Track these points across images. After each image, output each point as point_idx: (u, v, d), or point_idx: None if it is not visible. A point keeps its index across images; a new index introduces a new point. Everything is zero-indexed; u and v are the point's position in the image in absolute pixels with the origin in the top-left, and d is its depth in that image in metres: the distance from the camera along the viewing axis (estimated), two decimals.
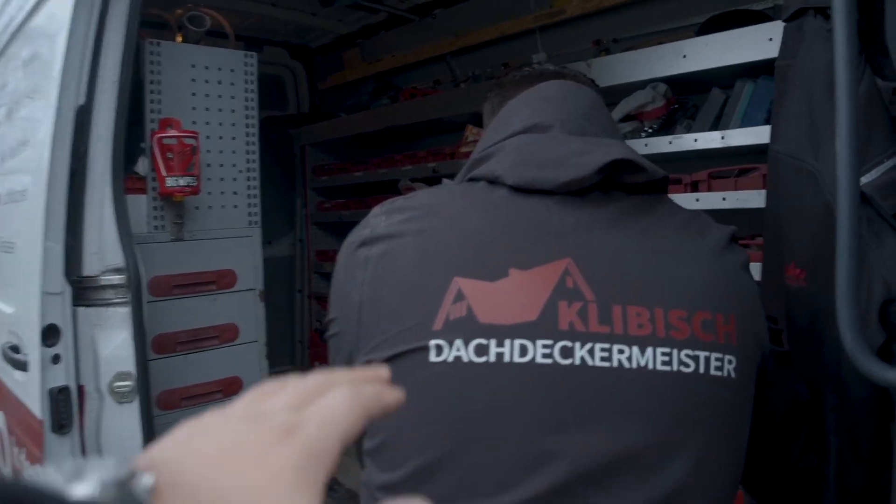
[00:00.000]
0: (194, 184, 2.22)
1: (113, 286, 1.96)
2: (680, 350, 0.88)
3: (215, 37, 2.68)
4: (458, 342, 0.86)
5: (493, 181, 0.99)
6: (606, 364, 0.86)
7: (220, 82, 2.47)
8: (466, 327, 0.86)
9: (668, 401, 0.87)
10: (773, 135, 1.32)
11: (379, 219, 0.98)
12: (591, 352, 0.86)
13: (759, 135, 2.25)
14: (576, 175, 0.93)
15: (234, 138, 2.50)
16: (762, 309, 1.04)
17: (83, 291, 1.91)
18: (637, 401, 0.85)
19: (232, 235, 2.51)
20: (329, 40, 4.76)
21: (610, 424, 0.84)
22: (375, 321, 0.92)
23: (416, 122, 3.86)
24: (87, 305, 1.92)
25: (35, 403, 1.84)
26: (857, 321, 0.74)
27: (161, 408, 2.32)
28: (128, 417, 1.94)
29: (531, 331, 0.86)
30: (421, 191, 1.05)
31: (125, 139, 1.93)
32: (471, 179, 1.03)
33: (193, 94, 2.40)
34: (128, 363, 1.94)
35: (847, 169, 0.84)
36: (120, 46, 1.92)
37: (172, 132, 2.21)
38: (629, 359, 0.86)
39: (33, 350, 1.84)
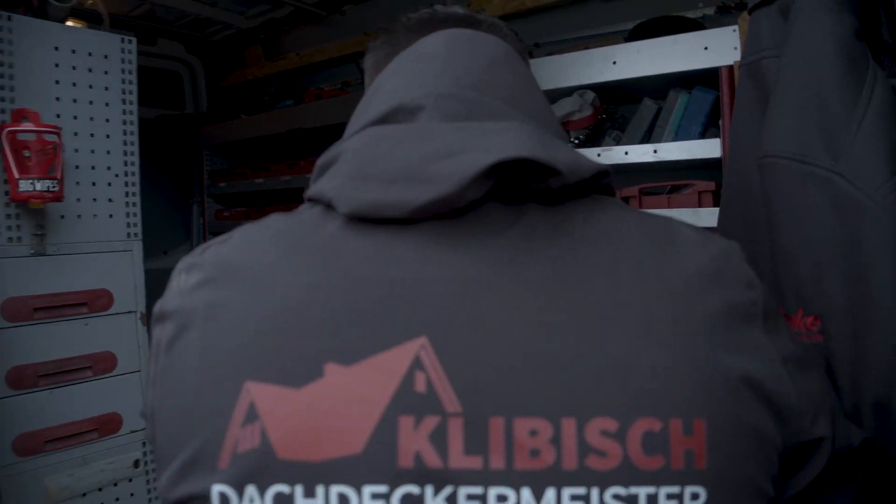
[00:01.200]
0: (56, 188, 1.87)
1: None
2: (603, 489, 0.54)
3: (91, 22, 2.34)
4: (251, 490, 0.55)
5: (327, 205, 0.66)
6: None
7: (90, 70, 2.11)
8: (260, 466, 0.55)
9: None
10: (764, 140, 1.04)
11: (179, 278, 0.67)
12: (451, 502, 0.54)
13: (693, 149, 2.15)
14: (437, 194, 0.58)
15: (108, 136, 2.15)
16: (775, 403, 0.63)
17: None
18: None
19: (107, 250, 2.15)
20: (230, 34, 4.45)
21: None
22: (163, 442, 0.61)
23: (322, 126, 3.59)
24: None
25: None
26: None
27: (18, 454, 1.97)
28: None
29: (354, 471, 0.54)
30: (241, 228, 0.70)
31: None
32: (309, 200, 0.71)
33: (57, 83, 2.04)
34: None
35: None
36: None
37: (29, 125, 1.86)
38: None
39: None
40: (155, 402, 0.63)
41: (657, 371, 0.57)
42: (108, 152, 2.16)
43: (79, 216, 2.09)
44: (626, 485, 0.54)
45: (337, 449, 0.54)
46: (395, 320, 0.57)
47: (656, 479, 0.55)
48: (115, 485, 2.26)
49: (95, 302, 2.14)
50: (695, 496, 0.55)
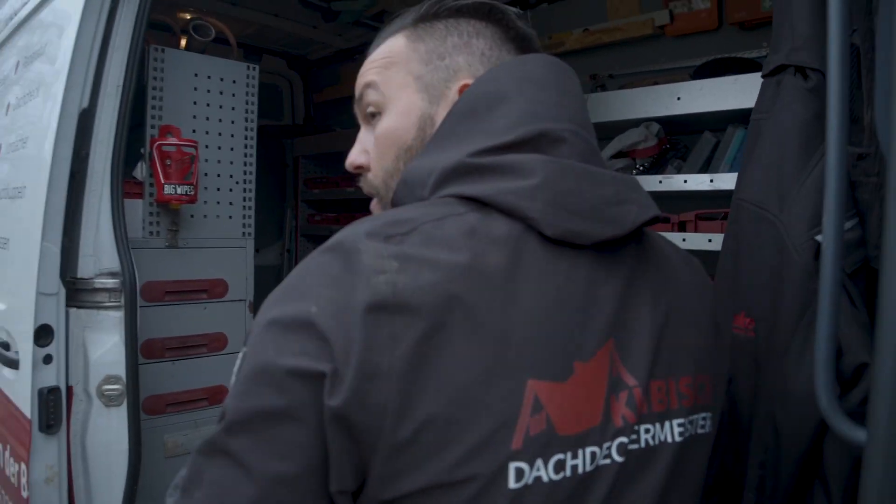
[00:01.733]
0: (192, 193, 2.25)
1: (107, 290, 1.97)
2: (687, 417, 0.85)
3: (216, 42, 2.71)
4: (539, 462, 0.71)
5: (523, 220, 0.77)
6: (639, 446, 0.80)
7: (221, 92, 2.50)
8: (546, 443, 0.72)
9: (673, 471, 0.83)
10: (740, 184, 1.35)
11: (388, 263, 0.70)
12: (636, 440, 0.79)
13: None
14: (614, 232, 0.79)
15: (232, 149, 2.53)
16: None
17: (76, 293, 1.92)
18: (652, 477, 0.80)
19: (225, 245, 2.53)
20: (328, 53, 4.80)
21: None
22: (410, 437, 0.67)
23: None
24: (80, 307, 1.93)
25: (24, 402, 1.84)
26: (833, 384, 0.78)
27: (146, 413, 2.33)
28: (115, 421, 1.95)
29: (598, 435, 0.76)
30: (425, 227, 0.74)
31: (125, 143, 1.96)
32: (478, 201, 0.78)
33: (195, 103, 2.43)
34: (118, 367, 1.95)
35: (833, 229, 0.85)
36: (126, 50, 1.95)
37: (172, 140, 2.24)
38: (653, 437, 0.81)
39: (25, 349, 1.85)
40: (390, 395, 0.66)
41: (701, 349, 0.89)
42: (231, 162, 2.53)
43: (205, 216, 2.46)
44: (692, 413, 0.86)
45: (588, 422, 0.75)
46: (598, 326, 0.77)
47: (699, 409, 0.88)
48: None
49: (213, 290, 2.51)
50: (707, 418, 0.90)
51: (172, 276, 2.38)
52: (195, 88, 2.43)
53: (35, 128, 2.07)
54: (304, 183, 4.63)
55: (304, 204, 4.66)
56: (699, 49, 2.95)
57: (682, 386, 0.84)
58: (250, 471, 0.67)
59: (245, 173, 2.56)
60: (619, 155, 2.83)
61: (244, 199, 2.57)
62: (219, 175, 2.49)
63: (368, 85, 0.97)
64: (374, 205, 1.02)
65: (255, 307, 2.67)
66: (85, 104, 1.89)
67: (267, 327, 0.71)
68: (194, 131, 2.40)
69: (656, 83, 2.88)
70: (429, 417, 0.67)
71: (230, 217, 2.54)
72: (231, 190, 2.53)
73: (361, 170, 1.00)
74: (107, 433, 1.96)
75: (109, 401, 1.96)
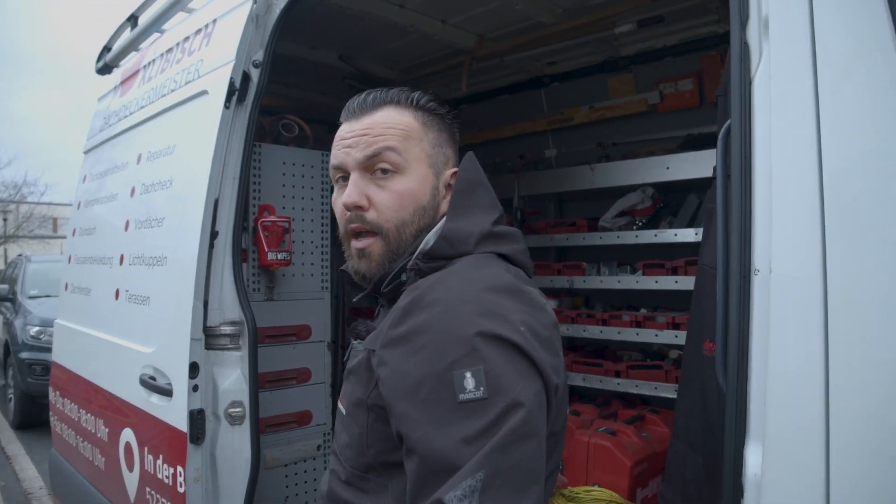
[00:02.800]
0: (288, 258, 2.88)
1: (228, 335, 2.59)
2: None
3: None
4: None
5: (520, 267, 1.27)
6: None
7: (303, 176, 3.14)
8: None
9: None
10: (701, 252, 1.97)
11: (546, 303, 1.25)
12: None
13: None
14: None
15: (312, 220, 3.16)
16: None
17: (208, 338, 2.54)
18: None
19: (309, 298, 3.16)
20: None
21: None
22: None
23: None
24: (210, 349, 2.54)
25: (178, 421, 2.45)
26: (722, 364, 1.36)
27: None
28: (238, 436, 2.55)
29: None
30: (490, 267, 1.20)
31: (241, 221, 2.59)
32: (502, 256, 1.24)
33: (283, 185, 3.08)
34: (240, 394, 2.55)
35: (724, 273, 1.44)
36: (240, 151, 2.58)
37: (270, 217, 2.88)
38: None
39: (179, 381, 2.46)
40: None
41: None
42: (312, 231, 3.17)
43: (293, 275, 3.09)
44: None
45: None
46: None
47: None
48: (305, 461, 3.21)
49: (301, 333, 3.13)
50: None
51: (270, 322, 2.99)
52: (283, 174, 3.07)
53: (172, 211, 2.71)
54: None
55: None
56: (685, 122, 3.59)
57: None
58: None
59: (322, 238, 3.20)
60: (622, 214, 3.45)
61: (322, 260, 3.20)
62: (303, 242, 3.12)
63: (390, 148, 1.23)
64: (371, 243, 1.26)
65: (331, 346, 3.29)
66: (216, 194, 2.52)
67: None
68: (283, 208, 3.04)
69: (651, 152, 3.52)
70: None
71: (312, 275, 3.16)
72: (312, 253, 3.16)
73: (360, 209, 1.24)
74: (231, 446, 2.55)
75: (233, 421, 2.57)
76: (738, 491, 1.16)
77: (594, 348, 4.03)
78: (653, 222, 3.41)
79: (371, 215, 1.23)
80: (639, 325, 3.38)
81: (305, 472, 3.22)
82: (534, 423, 1.00)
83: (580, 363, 3.68)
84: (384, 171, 1.23)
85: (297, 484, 3.21)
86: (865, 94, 1.10)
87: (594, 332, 3.61)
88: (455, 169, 1.31)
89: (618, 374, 3.45)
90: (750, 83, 1.21)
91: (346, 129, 1.29)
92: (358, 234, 1.26)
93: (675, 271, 3.19)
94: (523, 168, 4.25)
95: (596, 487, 2.31)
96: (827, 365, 1.06)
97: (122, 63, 3.99)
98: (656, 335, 3.25)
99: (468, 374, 0.99)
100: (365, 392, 1.15)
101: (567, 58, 3.93)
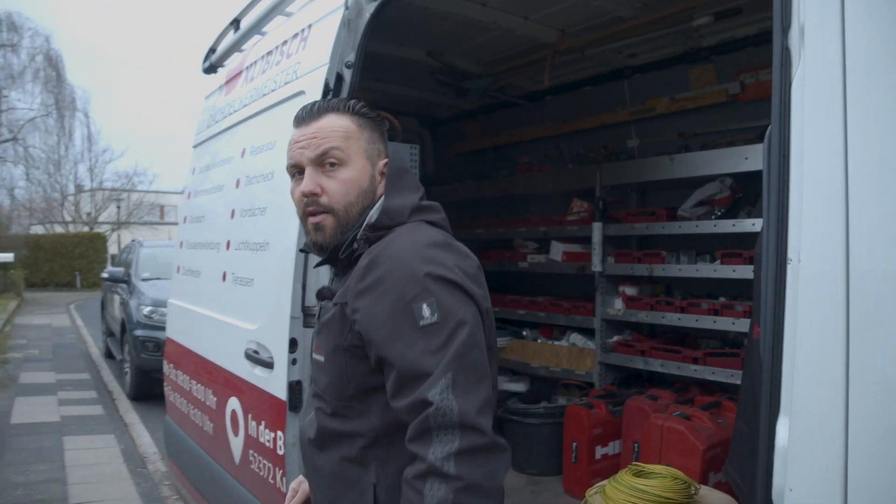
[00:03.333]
0: None
1: None
2: None
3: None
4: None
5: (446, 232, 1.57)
6: None
7: None
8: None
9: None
10: (756, 243, 2.04)
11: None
12: None
13: None
14: None
15: None
16: None
17: (305, 317, 2.78)
18: None
19: None
20: (451, 114, 5.64)
21: None
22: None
23: (530, 194, 4.72)
24: (307, 326, 2.79)
25: (280, 391, 2.72)
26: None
27: None
28: None
29: None
30: (424, 231, 1.51)
31: None
32: (431, 223, 1.55)
33: None
34: None
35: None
36: None
37: None
38: None
39: (280, 355, 2.72)
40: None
41: None
42: None
43: None
44: None
45: None
46: None
47: None
48: None
49: None
50: None
51: None
52: None
53: (273, 201, 2.96)
54: None
55: None
56: (765, 112, 3.57)
57: None
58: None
59: None
60: (700, 204, 3.52)
61: None
62: None
63: (335, 146, 1.53)
64: (324, 218, 1.54)
65: None
66: None
67: None
68: None
69: (731, 142, 3.56)
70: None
71: None
72: None
73: (315, 196, 1.53)
74: None
75: None
76: (770, 462, 1.28)
77: (674, 335, 4.11)
78: (731, 212, 3.46)
79: (324, 199, 1.53)
80: (716, 313, 3.44)
81: None
82: (477, 336, 1.38)
83: (658, 349, 3.77)
84: (331, 164, 1.54)
85: None
86: (891, 96, 1.20)
87: (672, 319, 3.70)
88: (386, 160, 1.63)
89: (695, 361, 3.53)
90: (789, 86, 1.33)
91: (298, 134, 1.58)
92: (314, 214, 1.55)
93: (751, 260, 3.24)
94: (605, 158, 4.35)
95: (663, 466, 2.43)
96: (848, 347, 1.17)
97: (226, 63, 4.30)
98: (733, 323, 3.31)
99: (424, 306, 1.35)
100: (340, 338, 1.47)
101: (648, 49, 4.00)
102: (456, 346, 1.33)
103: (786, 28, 1.36)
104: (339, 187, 1.54)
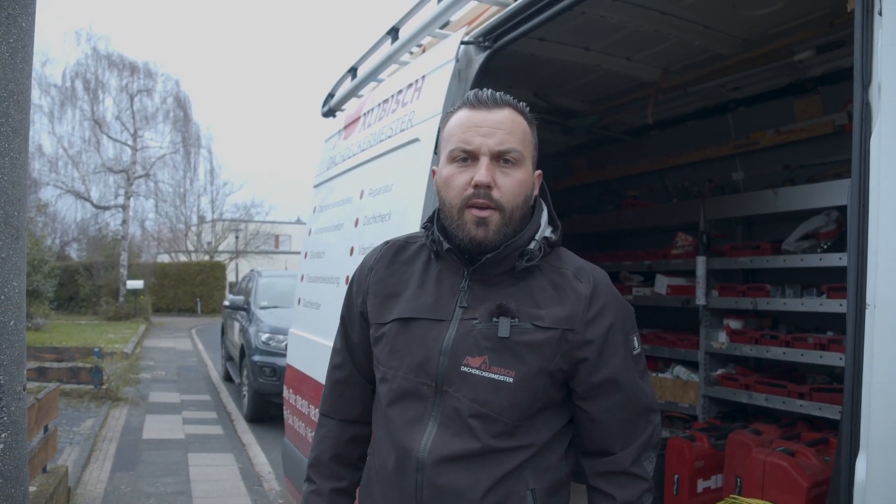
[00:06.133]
0: None
1: None
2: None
3: None
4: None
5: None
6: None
7: None
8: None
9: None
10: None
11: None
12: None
13: None
14: None
15: None
16: None
17: None
18: None
19: None
20: (560, 150, 5.75)
21: None
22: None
23: (636, 228, 4.81)
24: None
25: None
26: None
27: None
28: None
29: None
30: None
31: None
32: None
33: None
34: None
35: None
36: None
37: None
38: None
39: None
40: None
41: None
42: None
43: None
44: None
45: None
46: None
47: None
48: None
49: None
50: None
51: None
52: None
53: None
54: None
55: None
56: None
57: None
58: None
59: None
60: (805, 237, 3.52)
61: None
62: None
63: (517, 146, 1.49)
64: (492, 214, 1.48)
65: None
66: None
67: None
68: None
69: (838, 174, 3.55)
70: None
71: None
72: None
73: (489, 189, 1.47)
74: None
75: None
76: (850, 499, 1.37)
77: (780, 369, 4.08)
78: (838, 245, 3.44)
79: (496, 194, 1.47)
80: (823, 347, 3.42)
81: None
82: None
83: (763, 383, 3.77)
84: (507, 161, 1.49)
85: None
86: None
87: (777, 353, 3.69)
88: (540, 171, 1.62)
89: (801, 396, 3.50)
90: (868, 138, 1.43)
91: (479, 118, 1.51)
92: (482, 208, 1.48)
93: None
94: (710, 192, 4.39)
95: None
96: None
97: (343, 108, 4.63)
98: (840, 358, 3.28)
99: (634, 338, 1.57)
100: (549, 362, 1.49)
101: (751, 83, 4.03)
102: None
103: (866, 84, 1.46)
104: (513, 187, 1.48)
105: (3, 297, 2.14)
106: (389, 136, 3.46)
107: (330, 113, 4.79)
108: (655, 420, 1.57)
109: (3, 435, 2.04)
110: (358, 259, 3.54)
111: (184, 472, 6.65)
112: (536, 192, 1.59)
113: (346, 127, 4.36)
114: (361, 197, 3.67)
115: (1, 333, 2.13)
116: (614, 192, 5.49)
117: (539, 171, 1.60)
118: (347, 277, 3.61)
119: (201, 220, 37.67)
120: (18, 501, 2.07)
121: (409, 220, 2.98)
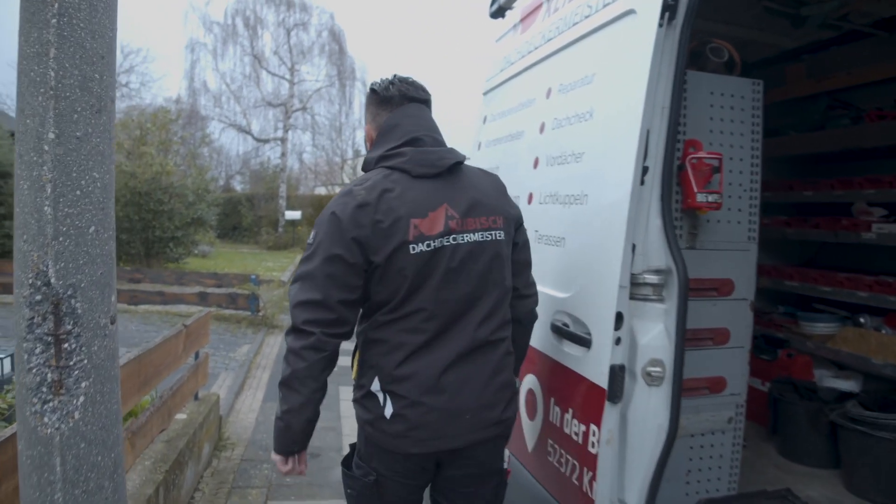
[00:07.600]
0: (719, 201, 2.48)
1: (650, 284, 2.29)
2: (485, 231, 2.10)
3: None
4: (419, 244, 2.01)
5: (403, 171, 2.06)
6: (457, 242, 2.05)
7: (731, 108, 2.71)
8: (420, 237, 2.00)
9: (470, 252, 2.08)
10: None
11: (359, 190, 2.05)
12: (457, 238, 2.05)
13: None
14: (439, 170, 2.08)
15: (741, 159, 2.72)
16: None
17: (632, 286, 2.26)
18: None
19: (734, 248, 2.74)
20: (769, 55, 4.74)
21: None
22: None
23: (882, 146, 3.75)
24: (633, 298, 2.27)
25: (597, 377, 2.24)
26: None
27: None
28: (654, 398, 2.26)
29: (442, 234, 2.03)
30: (363, 177, 2.15)
31: (671, 155, 2.25)
32: (389, 167, 2.08)
33: (711, 119, 2.67)
34: (661, 352, 2.25)
35: None
36: (670, 77, 2.24)
37: (698, 153, 2.49)
38: (464, 238, 2.06)
39: (601, 332, 2.24)
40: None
41: (494, 205, 2.17)
42: (741, 172, 2.73)
43: (718, 221, 2.70)
44: (488, 230, 2.13)
45: (437, 229, 2.03)
46: (438, 201, 2.05)
47: (493, 228, 2.14)
48: (713, 433, 2.84)
49: (722, 288, 2.73)
50: (498, 231, 2.15)
51: (690, 274, 2.62)
52: (711, 105, 2.67)
53: (592, 145, 2.47)
54: None
55: None
56: None
57: (482, 219, 2.11)
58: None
59: (752, 181, 2.74)
60: None
61: (750, 206, 2.75)
62: (730, 183, 2.70)
63: None
64: None
65: (753, 306, 2.84)
66: (647, 125, 2.22)
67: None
68: (710, 144, 2.64)
69: None
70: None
71: (739, 222, 2.74)
72: (740, 197, 2.73)
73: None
74: (645, 409, 2.27)
75: (652, 381, 2.28)
76: None
77: None
78: None
79: None
80: None
81: (712, 445, 2.85)
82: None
83: None
84: None
85: (700, 458, 2.86)
86: None
87: None
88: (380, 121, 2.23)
89: None
90: None
91: None
92: None
93: None
94: None
95: None
96: None
97: (514, 5, 3.86)
98: None
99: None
100: None
101: None
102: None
103: None
104: None
105: (78, 192, 1.52)
106: (587, 16, 2.70)
107: (499, 12, 4.03)
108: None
109: (83, 384, 1.46)
110: (545, 171, 2.84)
111: (335, 406, 6.41)
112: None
113: (523, 19, 3.60)
114: (548, 96, 2.94)
115: (77, 243, 1.52)
116: (843, 105, 4.41)
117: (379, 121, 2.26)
118: (531, 196, 2.91)
119: (356, 153, 38.27)
120: (107, 472, 1.54)
121: (622, 118, 2.25)
